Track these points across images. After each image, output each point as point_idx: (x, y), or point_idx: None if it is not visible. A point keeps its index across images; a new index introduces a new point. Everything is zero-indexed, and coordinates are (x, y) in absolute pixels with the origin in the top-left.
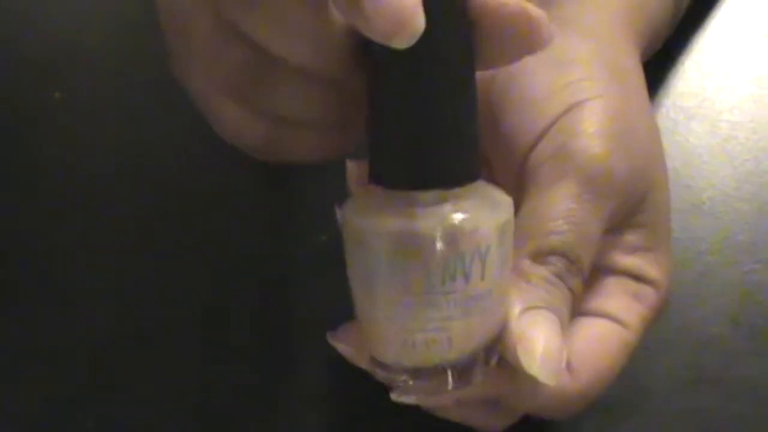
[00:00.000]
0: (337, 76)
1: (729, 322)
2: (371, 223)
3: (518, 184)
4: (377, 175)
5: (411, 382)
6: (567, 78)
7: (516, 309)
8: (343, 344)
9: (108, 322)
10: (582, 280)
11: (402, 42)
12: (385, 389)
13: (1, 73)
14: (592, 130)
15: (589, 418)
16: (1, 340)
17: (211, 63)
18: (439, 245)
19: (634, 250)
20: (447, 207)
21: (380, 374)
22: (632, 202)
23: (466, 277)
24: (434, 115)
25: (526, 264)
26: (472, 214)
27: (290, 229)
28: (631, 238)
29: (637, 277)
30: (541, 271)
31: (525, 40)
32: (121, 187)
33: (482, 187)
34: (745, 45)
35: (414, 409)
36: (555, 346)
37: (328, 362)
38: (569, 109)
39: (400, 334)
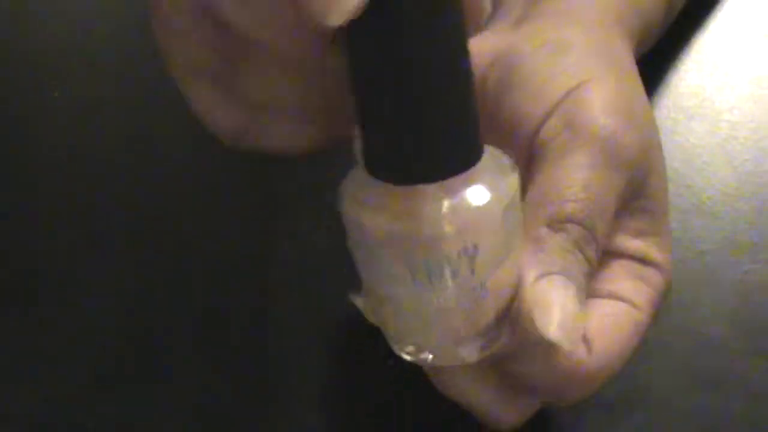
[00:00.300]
0: (316, 63)
1: (729, 322)
2: (370, 221)
3: (526, 167)
4: (369, 166)
5: (429, 356)
6: (565, 62)
7: (531, 275)
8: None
9: (108, 322)
10: (597, 250)
11: (334, 20)
12: (385, 383)
13: (0, 73)
14: (598, 105)
15: (589, 418)
16: (1, 340)
17: (185, 42)
18: (448, 243)
19: (638, 233)
20: (453, 200)
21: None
22: (639, 180)
23: (471, 262)
24: (426, 95)
25: (543, 232)
26: (481, 201)
27: (290, 228)
28: (635, 222)
29: (643, 261)
30: (557, 239)
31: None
32: (121, 186)
33: (485, 161)
34: (745, 45)
35: (414, 409)
36: (573, 310)
37: (328, 362)
38: (572, 89)
39: (413, 321)
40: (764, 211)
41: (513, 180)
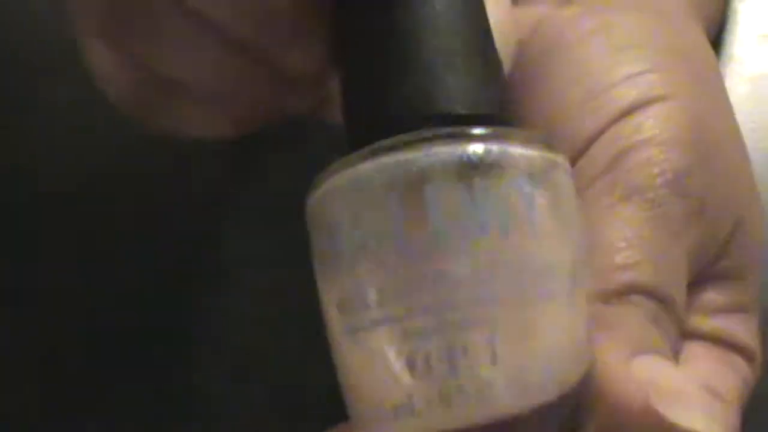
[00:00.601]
0: (275, 58)
1: None
2: (342, 176)
3: None
4: (354, 133)
5: None
6: (627, 68)
7: (613, 355)
8: None
9: (108, 322)
10: (678, 324)
11: None
12: None
13: (1, 73)
14: (660, 138)
15: None
16: (1, 340)
17: None
18: (452, 176)
19: (719, 309)
20: (464, 141)
21: None
22: (717, 240)
23: (504, 228)
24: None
25: (599, 309)
26: (507, 145)
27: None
28: (715, 293)
29: (725, 344)
30: (625, 314)
31: None
32: (121, 186)
33: (512, 131)
34: (744, 45)
35: None
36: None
37: (328, 363)
38: (631, 110)
39: (399, 351)
40: (764, 211)
41: (560, 153)
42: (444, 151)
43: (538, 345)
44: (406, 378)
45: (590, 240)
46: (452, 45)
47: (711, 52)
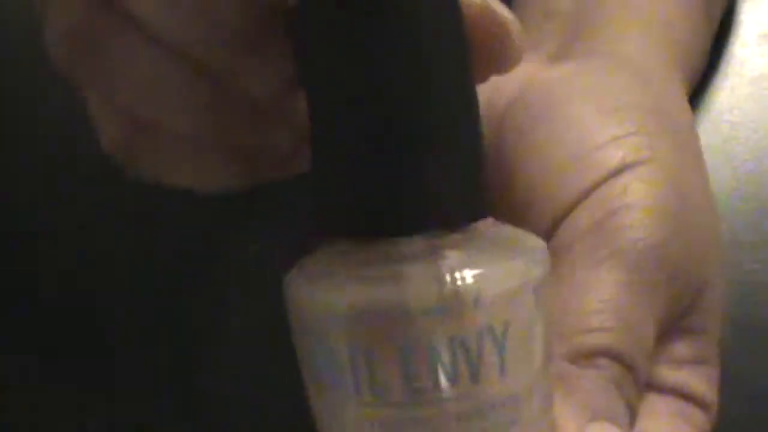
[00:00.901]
0: (232, 76)
1: (729, 322)
2: (321, 295)
3: None
4: (328, 221)
5: None
6: (614, 130)
7: (571, 425)
8: None
9: (108, 323)
10: (639, 394)
11: None
12: None
13: (1, 73)
14: (644, 204)
15: None
16: (1, 340)
17: (53, 24)
18: (428, 323)
19: (683, 361)
20: (438, 261)
21: None
22: (686, 301)
23: (474, 376)
24: (415, 123)
25: (567, 367)
26: (482, 269)
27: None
28: (681, 346)
29: (686, 397)
30: (590, 376)
31: (496, 56)
32: (121, 186)
33: (494, 228)
34: (744, 45)
35: None
36: None
37: None
38: (616, 173)
39: None
40: (764, 211)
41: (536, 256)
42: (421, 288)
43: None
44: None
45: (572, 299)
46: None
47: (689, 112)
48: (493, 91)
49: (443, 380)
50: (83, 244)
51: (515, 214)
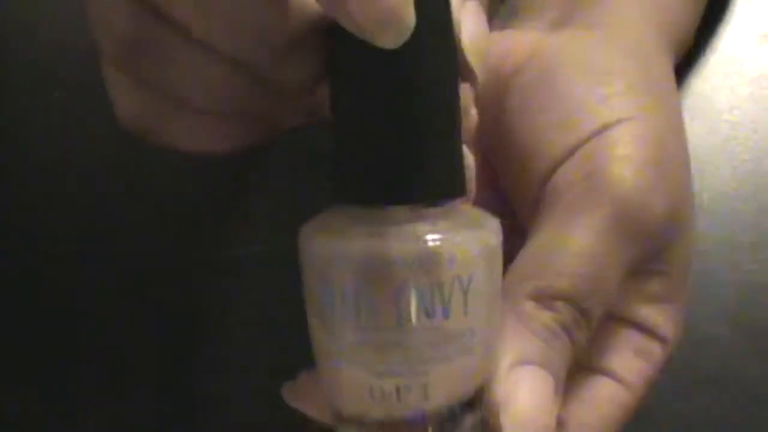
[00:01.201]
0: (270, 72)
1: (729, 322)
2: (332, 245)
3: (533, 211)
4: (340, 190)
5: None
6: (603, 91)
7: (506, 361)
8: (301, 402)
9: (108, 323)
10: (589, 335)
11: (390, 41)
12: None
13: (1, 73)
14: (628, 156)
15: None
16: (1, 340)
17: (103, 29)
18: (413, 271)
19: (649, 299)
20: (423, 226)
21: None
22: (661, 245)
23: (445, 312)
24: (411, 120)
25: (528, 306)
26: (454, 235)
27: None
28: (649, 285)
29: (649, 332)
30: (543, 318)
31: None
32: (121, 186)
33: (465, 208)
34: (744, 45)
35: None
36: (543, 413)
37: None
38: (602, 129)
39: (367, 380)
40: (764, 211)
41: (491, 230)
42: (402, 245)
43: (457, 383)
44: (367, 400)
45: (550, 243)
46: (427, 140)
47: (673, 80)
48: (501, 58)
49: (423, 315)
50: (83, 244)
51: (517, 165)
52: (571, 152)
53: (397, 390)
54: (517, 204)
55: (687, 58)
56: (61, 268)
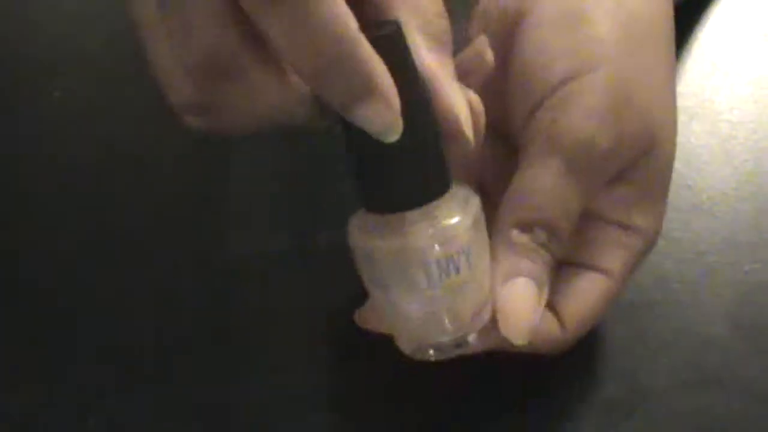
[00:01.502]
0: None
1: (729, 322)
2: (374, 244)
3: (519, 141)
4: (369, 205)
5: (431, 351)
6: (576, 37)
7: (498, 280)
8: (371, 324)
9: (108, 323)
10: (563, 246)
11: (392, 137)
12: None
13: (1, 73)
14: (583, 107)
15: (589, 418)
16: (1, 341)
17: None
18: (433, 252)
19: (624, 201)
20: (433, 220)
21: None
22: (623, 165)
23: (458, 269)
24: (409, 153)
25: (514, 233)
26: (453, 219)
27: (299, 228)
28: (622, 191)
29: (624, 227)
30: (525, 240)
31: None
32: (121, 186)
33: (455, 191)
34: (744, 45)
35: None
36: (530, 312)
37: (327, 363)
38: (567, 80)
39: (415, 320)
40: (764, 211)
41: (474, 203)
42: (421, 234)
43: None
44: (403, 323)
45: (525, 183)
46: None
47: (661, 16)
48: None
49: (443, 275)
50: (83, 244)
51: (509, 103)
52: (540, 102)
53: (433, 321)
54: (515, 120)
55: (687, 59)
56: (61, 268)
